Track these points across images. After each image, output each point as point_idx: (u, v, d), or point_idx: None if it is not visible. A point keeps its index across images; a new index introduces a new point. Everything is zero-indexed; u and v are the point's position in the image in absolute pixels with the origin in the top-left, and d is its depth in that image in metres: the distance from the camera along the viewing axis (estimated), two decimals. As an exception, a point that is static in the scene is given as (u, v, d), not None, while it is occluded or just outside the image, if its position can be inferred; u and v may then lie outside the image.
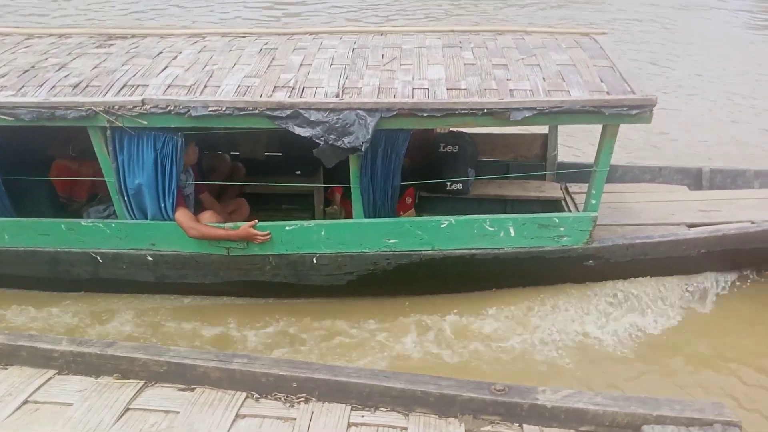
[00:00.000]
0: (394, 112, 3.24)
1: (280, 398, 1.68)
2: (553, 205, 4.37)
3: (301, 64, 3.64)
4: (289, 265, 3.69)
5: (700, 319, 3.87)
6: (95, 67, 3.61)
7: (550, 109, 3.23)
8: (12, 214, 3.75)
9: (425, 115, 3.24)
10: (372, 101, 3.25)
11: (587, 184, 3.82)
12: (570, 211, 4.19)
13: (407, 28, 4.36)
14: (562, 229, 3.63)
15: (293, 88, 3.37)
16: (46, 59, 3.75)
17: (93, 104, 3.24)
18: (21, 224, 3.70)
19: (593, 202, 3.61)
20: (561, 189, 4.46)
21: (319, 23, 10.64)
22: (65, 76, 3.50)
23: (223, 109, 3.22)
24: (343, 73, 3.53)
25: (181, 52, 3.80)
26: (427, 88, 3.39)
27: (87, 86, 3.39)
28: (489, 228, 3.61)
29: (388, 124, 3.29)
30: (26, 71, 3.59)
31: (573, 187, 4.47)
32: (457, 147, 4.32)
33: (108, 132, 3.32)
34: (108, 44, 4.01)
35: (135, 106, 3.23)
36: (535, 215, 3.75)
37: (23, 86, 3.43)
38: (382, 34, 4.19)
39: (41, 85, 3.42)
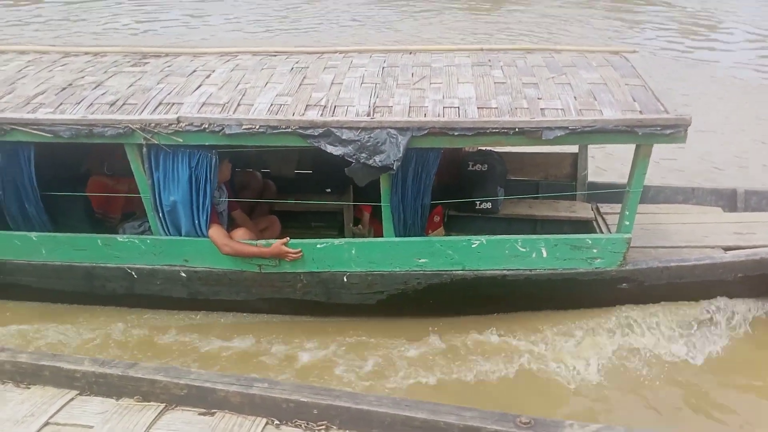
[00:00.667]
0: (426, 131, 3.22)
1: (300, 425, 1.63)
2: (584, 225, 4.29)
3: (332, 83, 3.67)
4: (320, 283, 3.68)
5: (738, 345, 3.72)
6: (131, 86, 3.68)
7: (583, 129, 3.18)
8: (49, 229, 3.78)
9: (456, 134, 3.20)
10: (403, 120, 3.25)
11: (618, 205, 3.77)
12: (602, 232, 4.14)
13: (436, 46, 4.38)
14: (595, 250, 3.56)
15: (325, 107, 3.41)
16: (82, 77, 3.84)
17: (130, 122, 3.29)
18: (58, 239, 3.74)
19: (626, 223, 3.56)
20: (592, 209, 4.37)
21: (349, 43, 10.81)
22: (102, 94, 3.58)
23: (257, 127, 3.26)
24: (373, 92, 3.56)
25: (214, 71, 3.87)
26: (458, 107, 3.37)
27: (123, 104, 3.45)
28: (521, 249, 3.57)
29: (419, 142, 3.26)
30: (64, 89, 3.67)
31: (604, 208, 4.40)
32: (486, 166, 4.31)
33: (144, 149, 3.35)
34: (143, 63, 4.10)
35: (170, 124, 3.28)
36: (568, 236, 3.67)
37: (61, 104, 3.51)
38: (411, 53, 4.21)
39: (79, 103, 3.48)
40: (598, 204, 4.45)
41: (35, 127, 3.37)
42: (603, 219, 4.28)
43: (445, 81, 3.69)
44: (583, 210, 4.40)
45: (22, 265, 3.84)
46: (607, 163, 6.06)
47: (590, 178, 4.67)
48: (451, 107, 3.39)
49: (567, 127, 3.19)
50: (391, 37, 11.40)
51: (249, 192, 4.33)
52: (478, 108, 3.36)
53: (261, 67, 3.91)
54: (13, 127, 3.39)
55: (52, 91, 3.66)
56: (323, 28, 11.98)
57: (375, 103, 3.43)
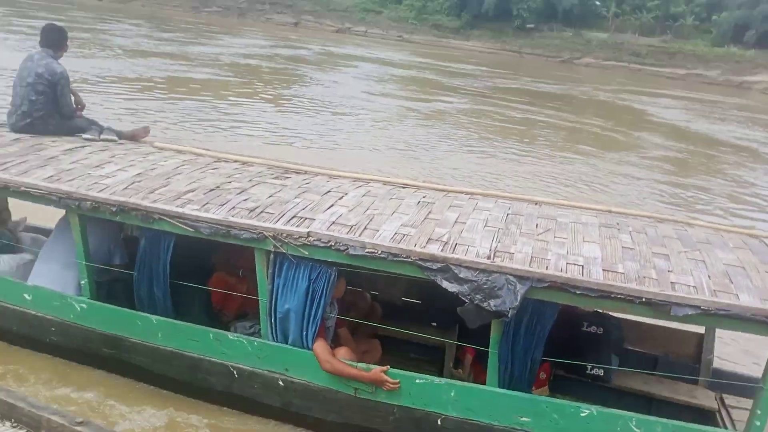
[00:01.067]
0: (546, 284, 3.17)
1: None
2: (705, 416, 3.89)
3: (455, 221, 3.76)
4: (413, 421, 3.54)
5: None
6: (271, 196, 3.98)
7: (716, 311, 2.98)
8: (170, 315, 4.01)
9: (578, 292, 3.12)
10: (524, 269, 3.22)
11: (747, 399, 3.45)
12: (725, 427, 3.75)
13: (563, 201, 4.44)
14: (719, 448, 3.23)
15: (446, 243, 3.47)
16: (229, 182, 4.21)
17: (264, 229, 3.53)
18: (175, 326, 3.92)
19: (757, 423, 3.18)
20: (716, 399, 4.01)
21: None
22: (244, 200, 3.88)
23: (379, 252, 3.38)
24: (496, 236, 3.60)
25: (346, 194, 4.12)
26: (582, 266, 3.30)
27: (262, 212, 3.72)
28: (635, 429, 3.26)
29: (537, 294, 3.21)
30: (212, 190, 4.04)
31: (729, 399, 4.01)
32: (601, 329, 4.11)
33: (271, 256, 3.54)
34: (284, 177, 4.46)
35: (300, 237, 3.48)
36: (689, 425, 3.34)
37: (207, 203, 3.84)
38: (537, 204, 4.26)
39: (222, 205, 3.78)
40: (723, 394, 4.07)
41: (180, 220, 3.69)
42: (728, 413, 3.88)
43: (570, 237, 3.67)
44: (705, 398, 4.03)
45: (139, 345, 4.04)
46: (733, 347, 5.60)
47: (715, 364, 4.31)
48: (574, 264, 3.34)
49: (699, 307, 3.02)
50: (514, 183, 11.64)
51: (356, 311, 4.38)
52: (603, 270, 3.28)
53: (390, 197, 4.11)
54: (161, 217, 3.72)
55: (201, 190, 4.02)
56: (446, 169, 12.44)
57: (496, 247, 3.46)
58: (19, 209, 5.16)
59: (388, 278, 4.38)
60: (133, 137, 5.19)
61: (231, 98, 17.08)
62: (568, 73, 40.90)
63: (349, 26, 52.78)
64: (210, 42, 32.18)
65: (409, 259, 3.34)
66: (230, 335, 3.88)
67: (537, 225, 3.81)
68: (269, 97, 18.36)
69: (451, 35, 51.64)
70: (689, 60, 45.79)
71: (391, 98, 21.16)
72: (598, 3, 51.50)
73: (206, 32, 37.60)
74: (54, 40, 4.93)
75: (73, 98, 5.03)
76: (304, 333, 3.61)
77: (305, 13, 53.36)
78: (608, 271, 3.28)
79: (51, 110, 4.83)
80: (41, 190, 3.90)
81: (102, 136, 4.93)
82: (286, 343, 3.70)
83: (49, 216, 5.04)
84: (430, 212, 3.88)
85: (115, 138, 5.01)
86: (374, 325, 4.37)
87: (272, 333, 3.73)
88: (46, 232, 5.18)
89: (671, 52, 46.73)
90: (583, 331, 4.11)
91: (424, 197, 4.17)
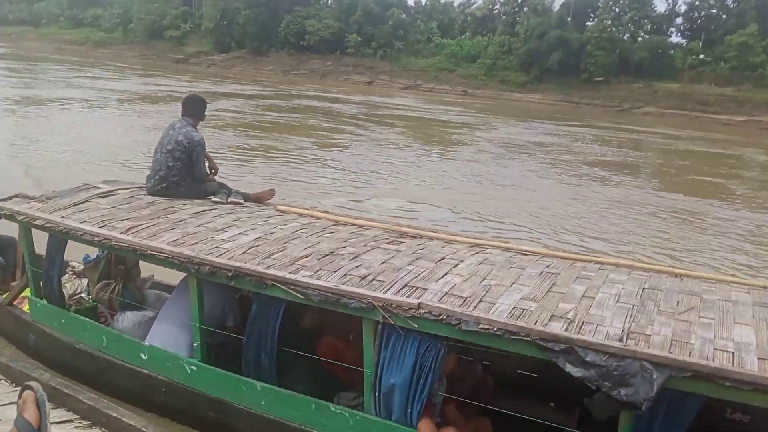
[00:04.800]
0: (689, 374, 2.78)
1: None
2: None
3: (583, 296, 3.45)
4: None
5: None
6: (383, 262, 3.91)
7: None
8: (275, 381, 4.02)
9: (728, 384, 2.71)
10: (662, 354, 2.84)
11: None
12: None
13: (709, 274, 3.98)
14: None
15: (571, 321, 3.18)
16: (344, 247, 4.22)
17: (374, 299, 3.43)
18: (280, 394, 3.89)
19: None
20: None
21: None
22: (356, 267, 3.84)
23: (494, 329, 3.14)
24: (629, 315, 3.25)
25: (462, 261, 3.96)
26: (733, 352, 2.86)
27: (373, 279, 3.64)
28: None
29: (677, 384, 2.80)
30: (326, 255, 4.05)
31: None
32: (748, 417, 3.58)
33: (379, 327, 3.45)
34: (399, 241, 4.40)
35: (410, 308, 3.33)
36: None
37: (320, 269, 3.81)
38: (677, 277, 3.84)
39: (335, 272, 3.75)
40: None
41: (293, 287, 3.69)
42: None
43: (718, 318, 3.23)
44: None
45: (242, 411, 4.05)
46: None
47: None
48: (723, 350, 2.91)
49: None
50: (652, 251, 10.82)
51: (465, 385, 4.13)
52: (758, 359, 2.83)
53: (509, 265, 3.89)
54: (274, 283, 3.76)
55: (316, 255, 4.05)
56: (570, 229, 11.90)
57: (630, 327, 3.11)
58: (148, 266, 5.54)
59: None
60: (259, 199, 5.43)
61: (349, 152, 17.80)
62: (618, 120, 39.60)
63: (419, 83, 54.82)
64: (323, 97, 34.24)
65: (528, 338, 3.08)
66: (332, 407, 3.78)
67: (678, 302, 3.40)
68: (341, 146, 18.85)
69: (517, 89, 52.39)
70: (758, 108, 42.81)
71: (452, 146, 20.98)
72: (672, 53, 49.85)
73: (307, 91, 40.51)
74: (195, 110, 5.34)
75: (207, 163, 5.39)
76: (409, 410, 3.42)
77: (382, 74, 56.36)
78: (765, 359, 2.82)
79: (185, 175, 5.18)
80: (164, 253, 4.12)
81: (229, 199, 5.20)
82: (390, 419, 3.53)
83: (174, 272, 5.35)
84: (554, 284, 3.61)
85: (241, 201, 5.26)
86: (483, 406, 4.08)
87: (375, 407, 3.58)
88: (169, 289, 5.49)
89: (740, 100, 44.08)
90: (726, 419, 3.56)
91: (547, 266, 3.90)
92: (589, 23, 54.83)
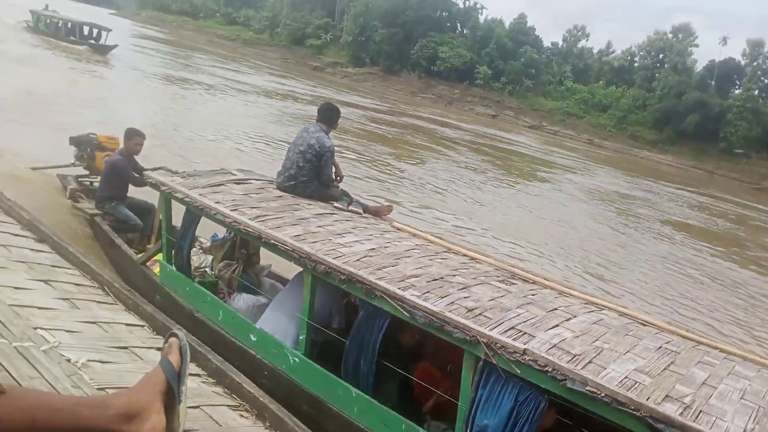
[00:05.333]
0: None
1: None
2: None
3: (703, 383, 3.15)
4: None
5: None
6: (492, 299, 3.80)
7: None
8: (369, 392, 3.97)
9: None
10: (788, 468, 2.60)
11: None
12: None
13: None
14: None
15: (688, 407, 2.90)
16: (454, 275, 4.14)
17: (479, 333, 3.31)
18: (371, 405, 3.86)
19: None
20: None
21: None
22: (465, 297, 3.76)
23: (602, 394, 2.93)
24: (754, 415, 2.92)
25: (575, 316, 3.75)
26: None
27: (480, 314, 3.54)
28: None
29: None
30: (435, 279, 3.99)
31: None
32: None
33: (480, 363, 3.34)
34: (510, 281, 4.27)
35: (515, 352, 3.19)
36: None
37: (428, 292, 3.78)
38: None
39: (443, 297, 3.68)
40: None
41: (400, 303, 3.67)
42: None
43: None
44: None
45: (335, 413, 4.06)
46: None
47: None
48: None
49: None
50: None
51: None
52: None
53: (625, 332, 3.65)
54: (382, 295, 3.74)
55: (425, 277, 4.00)
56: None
57: (753, 429, 2.82)
58: (267, 256, 5.74)
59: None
60: (377, 213, 5.49)
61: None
62: (751, 197, 36.83)
63: (544, 124, 53.65)
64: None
65: (638, 413, 2.86)
66: (421, 430, 3.71)
67: (812, 412, 3.04)
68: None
69: (647, 146, 50.02)
70: None
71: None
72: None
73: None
74: (329, 117, 5.52)
75: (333, 169, 5.53)
76: (500, 456, 3.28)
77: (508, 109, 55.71)
78: None
79: (313, 176, 5.35)
80: (287, 246, 4.24)
81: (350, 207, 5.29)
82: (479, 463, 3.40)
83: (289, 268, 5.52)
84: (672, 362, 3.34)
85: (360, 211, 5.34)
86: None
87: None
88: (283, 282, 5.66)
89: None
90: None
91: (667, 342, 3.62)
92: (734, 90, 51.54)
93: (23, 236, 3.19)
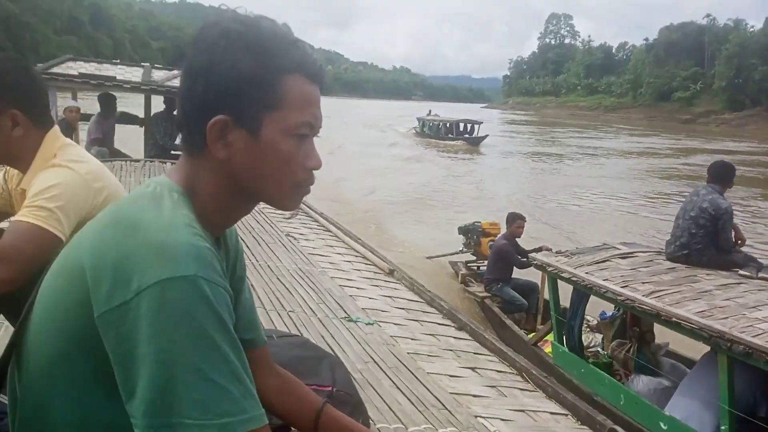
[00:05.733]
0: None
1: None
2: None
3: None
4: None
5: None
6: None
7: None
8: None
9: None
10: None
11: None
12: None
13: None
14: None
15: None
16: None
17: None
18: None
19: None
20: None
21: None
22: None
23: None
24: None
25: None
26: None
27: None
28: None
29: None
30: None
31: None
32: None
33: None
34: None
35: None
36: None
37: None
38: None
39: None
40: None
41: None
42: None
43: None
44: None
45: None
46: None
47: None
48: None
49: None
50: None
51: None
52: None
53: None
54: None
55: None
56: None
57: None
58: (662, 332, 5.31)
59: None
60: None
61: None
62: None
63: None
64: None
65: None
66: None
67: None
68: None
69: None
70: None
71: None
72: None
73: None
74: (722, 176, 4.97)
75: (733, 233, 4.91)
76: None
77: None
78: None
79: (708, 243, 4.82)
80: (692, 324, 3.84)
81: (760, 274, 4.58)
82: None
83: (687, 344, 4.98)
84: None
85: (773, 277, 4.57)
86: None
87: None
88: (685, 361, 5.13)
89: None
90: None
91: None
92: None
93: (445, 325, 3.61)
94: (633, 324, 5.13)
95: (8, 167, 1.80)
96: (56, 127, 1.73)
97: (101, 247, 0.84)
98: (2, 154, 1.66)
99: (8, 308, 1.60)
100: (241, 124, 0.90)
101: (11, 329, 2.13)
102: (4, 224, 1.93)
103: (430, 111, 42.95)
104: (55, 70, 8.03)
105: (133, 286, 0.78)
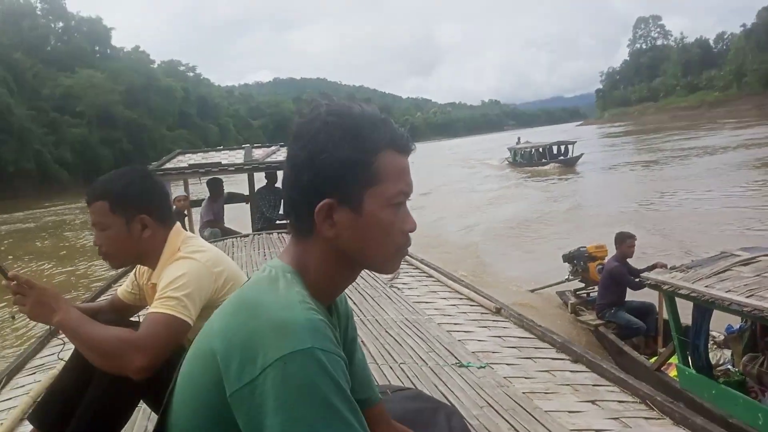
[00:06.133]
0: None
1: None
2: None
3: None
4: None
5: None
6: None
7: None
8: None
9: None
10: None
11: None
12: None
13: None
14: None
15: None
16: None
17: None
18: None
19: None
20: None
21: None
22: None
23: None
24: None
25: None
26: None
27: None
28: None
29: None
30: None
31: None
32: None
33: None
34: None
35: None
36: None
37: None
38: None
39: None
40: None
41: None
42: None
43: None
44: None
45: None
46: None
47: None
48: None
49: None
50: None
51: None
52: None
53: None
54: None
55: None
56: None
57: None
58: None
59: None
60: None
61: None
62: None
63: None
64: None
65: None
66: None
67: None
68: None
69: None
70: None
71: None
72: None
73: None
74: None
75: None
76: None
77: None
78: None
79: None
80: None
81: None
82: None
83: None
84: None
85: None
86: None
87: None
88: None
89: None
90: None
91: None
92: None
93: (560, 359, 3.51)
94: (764, 335, 4.71)
95: (138, 265, 2.04)
96: (178, 224, 1.94)
97: (228, 332, 0.95)
98: (134, 254, 1.88)
99: (147, 394, 1.79)
100: (344, 203, 1.00)
101: (147, 410, 2.35)
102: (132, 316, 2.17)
103: (519, 139, 42.44)
104: (168, 165, 8.83)
105: (258, 364, 0.88)
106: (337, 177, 0.99)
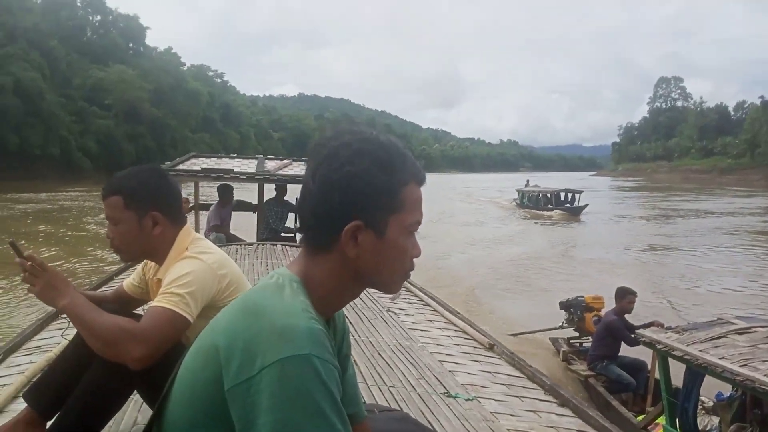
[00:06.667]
0: None
1: None
2: None
3: None
4: None
5: None
6: None
7: None
8: None
9: None
10: None
11: None
12: None
13: None
14: None
15: None
16: None
17: None
18: None
19: None
20: None
21: None
22: None
23: None
24: None
25: None
26: None
27: None
28: None
29: None
30: None
31: None
32: None
33: None
34: None
35: None
36: None
37: None
38: None
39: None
40: None
41: None
42: None
43: None
44: None
45: None
46: None
47: None
48: None
49: None
50: None
51: None
52: None
53: None
54: None
55: None
56: None
57: None
58: None
59: None
60: None
61: None
62: None
63: None
64: None
65: None
66: None
67: None
68: None
69: None
70: None
71: None
72: None
73: None
74: None
75: None
76: None
77: None
78: None
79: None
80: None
81: None
82: None
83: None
84: None
85: None
86: None
87: None
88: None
89: None
90: None
91: None
92: None
93: (547, 401, 3.48)
94: (754, 406, 4.65)
95: (147, 260, 2.07)
96: (188, 224, 1.97)
97: (233, 331, 0.99)
98: (144, 250, 1.91)
99: (141, 385, 1.80)
100: (370, 227, 1.05)
101: (139, 402, 2.35)
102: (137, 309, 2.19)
103: (528, 181, 42.77)
104: (181, 167, 8.92)
105: (257, 364, 0.92)
106: (368, 202, 1.04)
